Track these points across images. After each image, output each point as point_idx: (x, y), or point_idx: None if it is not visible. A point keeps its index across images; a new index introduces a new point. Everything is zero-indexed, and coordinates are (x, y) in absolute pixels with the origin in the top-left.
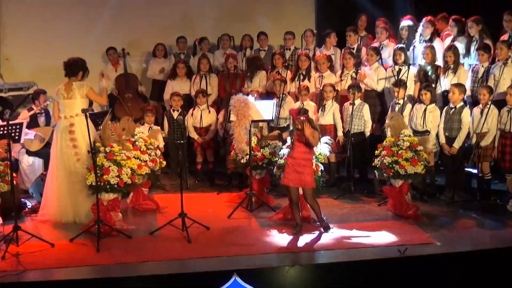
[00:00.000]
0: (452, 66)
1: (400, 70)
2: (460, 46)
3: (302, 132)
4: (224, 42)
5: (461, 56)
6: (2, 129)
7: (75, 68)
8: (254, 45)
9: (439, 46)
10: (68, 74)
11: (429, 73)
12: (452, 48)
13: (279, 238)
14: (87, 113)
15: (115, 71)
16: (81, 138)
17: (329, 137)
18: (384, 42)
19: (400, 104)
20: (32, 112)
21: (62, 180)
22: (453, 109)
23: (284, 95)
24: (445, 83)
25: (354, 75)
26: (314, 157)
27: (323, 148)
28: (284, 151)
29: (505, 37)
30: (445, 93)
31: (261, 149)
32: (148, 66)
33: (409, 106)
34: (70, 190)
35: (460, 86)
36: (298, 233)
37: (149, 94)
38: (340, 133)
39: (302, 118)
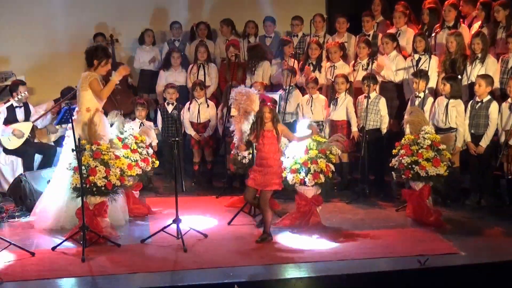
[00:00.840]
0: (479, 55)
1: (420, 59)
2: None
3: (272, 123)
4: (224, 29)
5: None
6: None
7: (88, 57)
8: (259, 31)
9: (466, 32)
10: (88, 65)
11: (457, 63)
12: (479, 35)
13: (286, 247)
14: (70, 106)
15: None
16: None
17: (340, 134)
18: (402, 28)
19: (420, 97)
20: (8, 104)
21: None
22: (479, 103)
23: (291, 87)
24: (472, 74)
25: (366, 65)
26: (324, 156)
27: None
28: (293, 150)
29: None
30: (472, 86)
31: None
32: (135, 55)
33: (430, 100)
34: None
35: (487, 77)
36: (263, 242)
37: (137, 86)
38: (354, 129)
39: (270, 106)
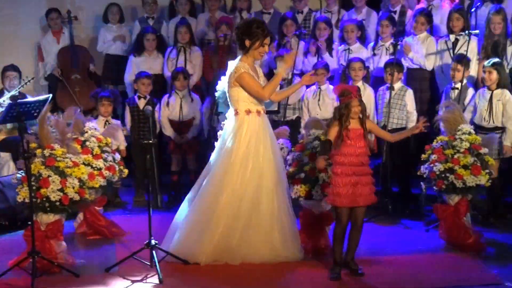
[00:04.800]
0: None
1: (457, 40)
2: None
3: (361, 120)
4: (212, 3)
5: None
6: None
7: (239, 36)
8: (252, 6)
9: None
10: (239, 47)
11: (500, 47)
12: None
13: (289, 280)
14: (17, 101)
15: (57, 43)
16: (238, 143)
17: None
18: (434, 3)
19: (458, 89)
20: None
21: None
22: None
23: (292, 76)
24: None
25: (392, 48)
26: None
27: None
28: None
29: None
30: None
31: None
32: (98, 36)
33: (471, 91)
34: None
35: None
36: (339, 277)
37: (101, 75)
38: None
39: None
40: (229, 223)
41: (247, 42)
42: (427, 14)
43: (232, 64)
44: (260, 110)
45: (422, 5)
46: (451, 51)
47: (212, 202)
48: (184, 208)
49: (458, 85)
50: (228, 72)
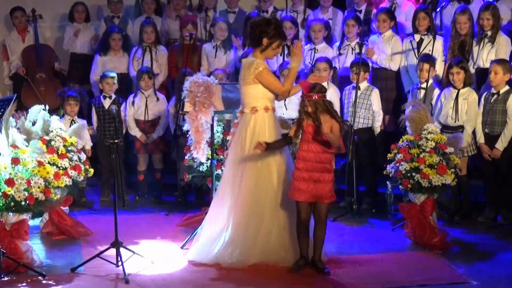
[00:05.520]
0: (489, 33)
1: (422, 40)
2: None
3: (314, 119)
4: (177, 2)
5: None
6: None
7: (255, 32)
8: (217, 4)
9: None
10: (251, 43)
11: (466, 47)
12: (490, 8)
13: (256, 278)
14: None
15: (22, 41)
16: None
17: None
18: (397, 1)
19: (424, 88)
20: None
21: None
22: (495, 96)
23: None
24: (479, 57)
25: (357, 47)
26: None
27: None
28: None
29: None
30: (479, 71)
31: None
32: (64, 34)
33: (436, 91)
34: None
35: (504, 62)
36: (300, 268)
37: (67, 74)
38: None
39: (315, 97)
40: (270, 223)
41: (265, 41)
42: (389, 11)
43: (246, 61)
44: (274, 107)
45: (385, 3)
46: (415, 50)
47: (256, 210)
48: (218, 215)
49: (424, 85)
50: (243, 70)
